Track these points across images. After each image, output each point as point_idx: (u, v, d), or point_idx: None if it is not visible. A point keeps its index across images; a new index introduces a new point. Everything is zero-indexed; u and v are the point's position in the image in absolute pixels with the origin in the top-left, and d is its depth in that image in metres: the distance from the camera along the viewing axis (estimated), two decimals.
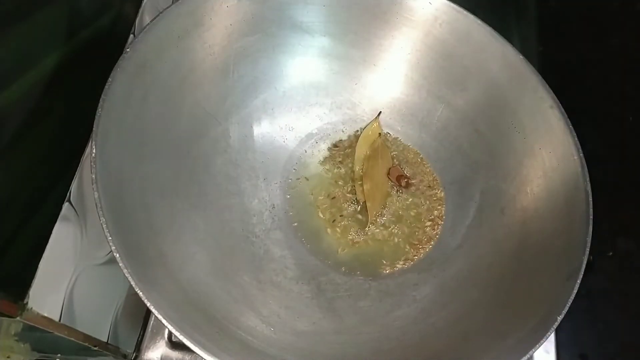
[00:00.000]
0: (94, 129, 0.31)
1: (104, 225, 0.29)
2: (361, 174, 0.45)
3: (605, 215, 0.37)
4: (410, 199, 0.45)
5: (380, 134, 0.47)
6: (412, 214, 0.44)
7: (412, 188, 0.45)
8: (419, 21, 0.43)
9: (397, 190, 0.45)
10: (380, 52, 0.46)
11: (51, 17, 0.33)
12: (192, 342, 0.28)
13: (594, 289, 0.34)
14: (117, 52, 0.34)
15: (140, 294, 0.28)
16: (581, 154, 0.37)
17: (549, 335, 0.31)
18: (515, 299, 0.35)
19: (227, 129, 0.43)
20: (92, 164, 0.30)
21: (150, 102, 0.36)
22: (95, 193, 0.30)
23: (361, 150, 0.46)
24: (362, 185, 0.44)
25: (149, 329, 0.45)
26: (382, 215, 0.44)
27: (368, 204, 0.43)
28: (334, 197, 0.44)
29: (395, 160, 0.47)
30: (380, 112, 0.47)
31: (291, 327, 0.37)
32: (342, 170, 0.46)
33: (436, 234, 0.43)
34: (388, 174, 0.46)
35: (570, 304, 0.31)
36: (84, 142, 0.36)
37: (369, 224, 0.43)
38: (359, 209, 0.44)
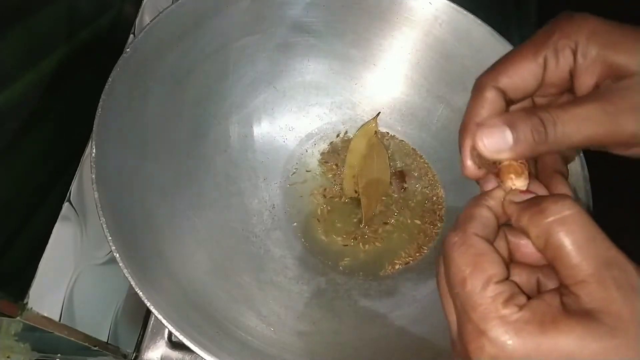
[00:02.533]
0: (94, 129, 0.31)
1: (104, 225, 0.29)
2: (355, 171, 0.45)
3: (605, 215, 0.36)
4: (410, 199, 0.45)
5: (376, 132, 0.47)
6: (413, 214, 0.44)
7: (412, 188, 0.45)
8: (419, 21, 0.43)
9: (397, 190, 0.45)
10: (380, 52, 0.46)
11: (51, 17, 0.33)
12: (192, 342, 0.28)
13: None
14: (117, 52, 0.34)
15: (140, 294, 0.28)
16: (581, 154, 0.37)
17: None
18: None
19: (227, 129, 0.43)
20: (92, 164, 0.30)
21: (150, 102, 0.36)
22: (95, 193, 0.30)
23: (356, 148, 0.46)
24: (356, 183, 0.44)
25: (149, 329, 0.45)
26: (381, 214, 0.44)
27: (363, 202, 0.43)
28: (333, 197, 0.44)
29: (389, 153, 0.47)
30: (380, 112, 0.47)
31: (291, 327, 0.37)
32: (342, 171, 0.46)
33: (436, 234, 0.43)
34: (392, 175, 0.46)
35: None
36: (84, 142, 0.36)
37: (364, 222, 0.43)
38: (357, 208, 0.44)
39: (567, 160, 0.26)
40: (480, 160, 0.23)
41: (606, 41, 0.22)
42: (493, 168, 0.23)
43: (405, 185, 0.45)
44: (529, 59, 0.23)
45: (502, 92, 0.24)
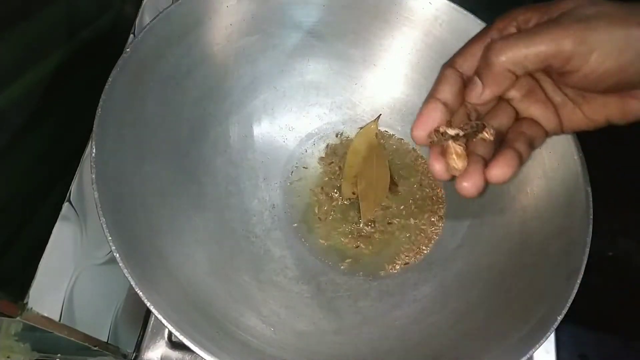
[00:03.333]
0: (94, 129, 0.31)
1: (104, 225, 0.29)
2: (355, 173, 0.45)
3: (605, 215, 0.37)
4: (410, 199, 0.45)
5: (377, 134, 0.47)
6: (412, 214, 0.44)
7: (411, 188, 0.45)
8: (419, 21, 0.43)
9: (396, 191, 0.45)
10: (380, 52, 0.46)
11: (51, 17, 0.33)
12: (192, 342, 0.28)
13: (594, 289, 0.34)
14: (117, 52, 0.34)
15: (140, 294, 0.28)
16: (581, 154, 0.37)
17: (549, 335, 0.31)
18: (515, 299, 0.35)
19: (227, 129, 0.43)
20: (92, 164, 0.30)
21: (150, 102, 0.36)
22: (95, 193, 0.30)
23: (356, 149, 0.46)
24: (355, 184, 0.44)
25: (149, 329, 0.45)
26: (381, 214, 0.44)
27: (362, 204, 0.43)
28: (333, 197, 0.44)
29: (389, 153, 0.46)
30: (380, 114, 0.47)
31: (291, 327, 0.37)
32: (342, 171, 0.46)
33: (436, 234, 0.43)
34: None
35: (570, 303, 0.31)
36: (84, 142, 0.36)
37: (362, 223, 0.43)
38: (357, 208, 0.44)
39: (533, 144, 0.28)
40: (436, 137, 0.27)
41: (539, 8, 0.26)
42: (442, 143, 0.27)
43: (398, 190, 0.45)
44: (478, 42, 0.28)
45: (459, 72, 0.28)
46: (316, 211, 0.44)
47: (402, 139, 0.47)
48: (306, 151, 0.46)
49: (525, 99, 0.29)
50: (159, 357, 0.44)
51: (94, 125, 0.31)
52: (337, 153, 0.47)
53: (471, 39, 0.29)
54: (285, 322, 0.37)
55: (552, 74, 0.28)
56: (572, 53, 0.24)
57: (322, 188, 0.45)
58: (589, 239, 0.34)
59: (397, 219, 0.44)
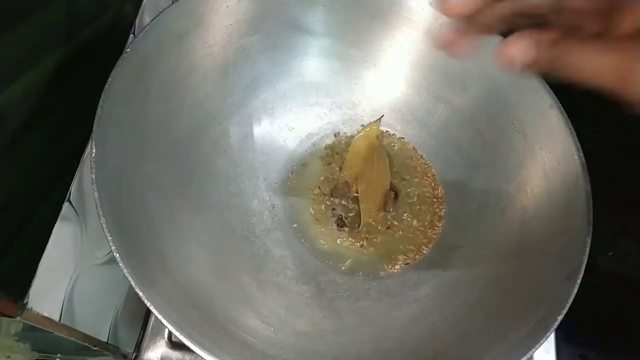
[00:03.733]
0: (94, 129, 0.31)
1: (104, 225, 0.29)
2: (355, 173, 0.45)
3: (605, 215, 0.37)
4: (410, 199, 0.45)
5: (377, 136, 0.47)
6: (412, 214, 0.44)
7: (411, 188, 0.45)
8: (419, 21, 0.43)
9: (396, 193, 0.45)
10: (380, 52, 0.46)
11: (51, 17, 0.33)
12: (192, 342, 0.28)
13: (593, 288, 0.34)
14: (117, 52, 0.34)
15: (140, 294, 0.28)
16: (581, 154, 0.37)
17: (549, 335, 0.31)
18: (515, 299, 0.35)
19: (227, 129, 0.43)
20: (92, 164, 0.30)
21: (150, 102, 0.36)
22: (95, 193, 0.30)
23: (356, 150, 0.46)
24: (354, 184, 0.44)
25: (149, 329, 0.45)
26: (382, 215, 0.44)
27: (362, 205, 0.43)
28: (333, 197, 0.44)
29: (391, 153, 0.46)
30: (383, 115, 0.47)
31: (291, 327, 0.37)
32: (342, 171, 0.46)
33: (436, 234, 0.43)
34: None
35: (570, 303, 0.31)
36: (84, 142, 0.36)
37: (362, 225, 0.43)
38: (357, 209, 0.44)
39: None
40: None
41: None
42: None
43: (397, 193, 0.45)
44: None
45: None
46: (316, 211, 0.44)
47: (402, 138, 0.47)
48: (306, 151, 0.46)
49: None
50: (159, 357, 0.44)
51: (94, 125, 0.31)
52: (337, 153, 0.47)
53: None
54: (286, 322, 0.37)
55: None
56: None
57: (322, 188, 0.45)
58: (589, 239, 0.34)
59: (397, 220, 0.44)
